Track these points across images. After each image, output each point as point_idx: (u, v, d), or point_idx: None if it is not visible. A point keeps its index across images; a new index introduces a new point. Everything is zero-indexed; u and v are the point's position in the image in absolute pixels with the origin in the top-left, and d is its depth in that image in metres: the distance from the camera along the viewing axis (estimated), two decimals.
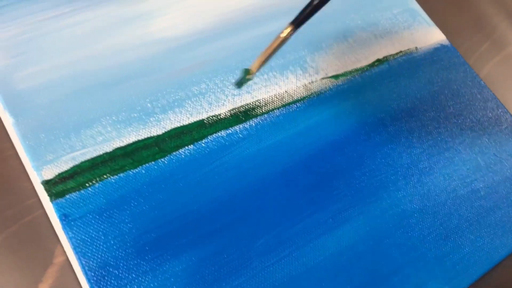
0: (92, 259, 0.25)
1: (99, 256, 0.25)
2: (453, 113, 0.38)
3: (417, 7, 0.42)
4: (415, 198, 0.33)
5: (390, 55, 0.39)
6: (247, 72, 0.31)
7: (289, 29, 0.28)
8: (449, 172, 0.35)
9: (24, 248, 0.27)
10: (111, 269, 0.25)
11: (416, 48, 0.40)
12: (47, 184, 0.26)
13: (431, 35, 0.41)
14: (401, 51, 0.39)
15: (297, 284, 0.28)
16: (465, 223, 0.33)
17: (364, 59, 0.38)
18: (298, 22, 0.28)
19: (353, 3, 0.40)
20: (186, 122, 0.31)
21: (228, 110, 0.32)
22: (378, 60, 0.38)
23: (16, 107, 0.28)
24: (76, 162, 0.27)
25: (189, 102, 0.32)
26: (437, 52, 0.40)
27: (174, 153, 0.30)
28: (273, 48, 0.29)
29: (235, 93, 0.33)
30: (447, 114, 0.37)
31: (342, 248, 0.30)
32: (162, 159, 0.29)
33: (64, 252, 0.27)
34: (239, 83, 0.32)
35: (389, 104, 0.36)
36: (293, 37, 0.37)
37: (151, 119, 0.30)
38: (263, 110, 0.33)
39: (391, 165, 0.34)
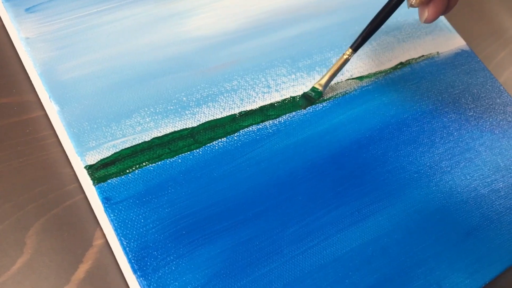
0: (132, 241, 0.26)
1: (139, 238, 0.27)
2: (473, 116, 0.39)
3: None
4: (437, 196, 0.34)
5: (413, 59, 0.40)
6: (314, 88, 0.35)
7: (350, 51, 0.33)
8: (470, 172, 0.36)
9: (65, 230, 0.28)
10: (150, 251, 0.26)
11: (437, 52, 0.41)
12: (90, 169, 0.28)
13: (452, 41, 0.42)
14: (423, 55, 0.41)
15: (324, 272, 0.29)
16: (486, 221, 0.34)
17: (388, 62, 0.39)
18: (357, 45, 0.33)
19: (376, 9, 0.41)
20: (219, 116, 0.32)
21: (259, 107, 0.34)
22: (401, 63, 0.40)
23: (61, 96, 0.29)
24: (117, 150, 0.29)
25: (222, 98, 0.33)
26: (458, 57, 0.42)
27: (208, 144, 0.31)
28: (337, 67, 0.34)
29: (265, 91, 0.34)
30: (468, 117, 0.39)
31: (367, 240, 0.31)
32: (197, 150, 0.30)
33: (104, 235, 0.28)
34: (311, 99, 0.35)
35: (412, 105, 0.38)
36: (319, 39, 0.39)
37: (187, 112, 0.32)
38: (292, 107, 0.34)
39: (414, 163, 0.35)
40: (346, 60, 0.34)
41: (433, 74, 0.40)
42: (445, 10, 0.31)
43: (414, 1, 0.30)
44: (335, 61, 0.34)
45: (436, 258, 0.31)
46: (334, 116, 0.35)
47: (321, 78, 0.35)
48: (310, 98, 0.35)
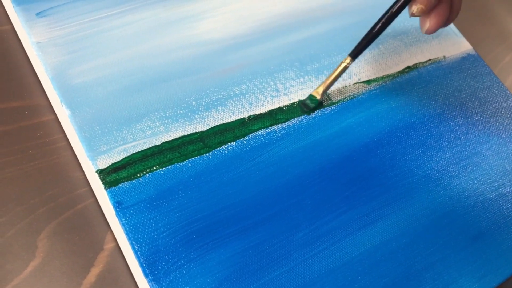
0: (143, 245, 0.27)
1: (150, 242, 0.27)
2: (480, 120, 0.39)
3: None
4: (445, 200, 0.34)
5: (420, 63, 0.40)
6: (311, 97, 0.34)
7: (348, 59, 0.33)
8: (477, 176, 0.36)
9: (76, 234, 0.28)
10: (161, 255, 0.26)
11: (444, 57, 0.41)
12: (101, 173, 0.28)
13: (458, 45, 0.43)
14: (430, 59, 0.41)
15: (334, 277, 0.29)
16: (494, 225, 0.34)
17: (395, 66, 0.39)
18: (355, 53, 0.33)
19: (383, 12, 0.42)
20: (228, 120, 0.32)
21: (267, 110, 0.34)
22: (408, 67, 0.40)
23: (72, 101, 0.30)
24: (128, 154, 0.29)
25: (231, 101, 0.33)
26: (464, 61, 0.42)
27: (218, 148, 0.31)
28: (335, 75, 0.34)
29: (274, 95, 0.35)
30: (475, 121, 0.39)
31: (376, 245, 0.31)
32: (207, 154, 0.31)
33: (114, 238, 0.28)
34: (308, 108, 0.34)
35: (419, 109, 0.38)
36: (327, 42, 0.39)
37: (196, 116, 0.32)
38: (300, 112, 0.34)
39: (422, 167, 0.35)
40: (345, 68, 0.34)
41: (440, 78, 0.40)
42: (446, 22, 0.31)
43: (415, 10, 0.30)
44: (334, 69, 0.34)
45: (444, 262, 0.31)
46: (342, 119, 0.35)
47: (319, 86, 0.34)
48: (307, 106, 0.35)
